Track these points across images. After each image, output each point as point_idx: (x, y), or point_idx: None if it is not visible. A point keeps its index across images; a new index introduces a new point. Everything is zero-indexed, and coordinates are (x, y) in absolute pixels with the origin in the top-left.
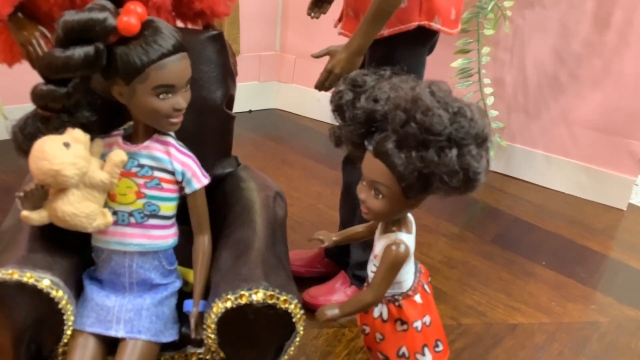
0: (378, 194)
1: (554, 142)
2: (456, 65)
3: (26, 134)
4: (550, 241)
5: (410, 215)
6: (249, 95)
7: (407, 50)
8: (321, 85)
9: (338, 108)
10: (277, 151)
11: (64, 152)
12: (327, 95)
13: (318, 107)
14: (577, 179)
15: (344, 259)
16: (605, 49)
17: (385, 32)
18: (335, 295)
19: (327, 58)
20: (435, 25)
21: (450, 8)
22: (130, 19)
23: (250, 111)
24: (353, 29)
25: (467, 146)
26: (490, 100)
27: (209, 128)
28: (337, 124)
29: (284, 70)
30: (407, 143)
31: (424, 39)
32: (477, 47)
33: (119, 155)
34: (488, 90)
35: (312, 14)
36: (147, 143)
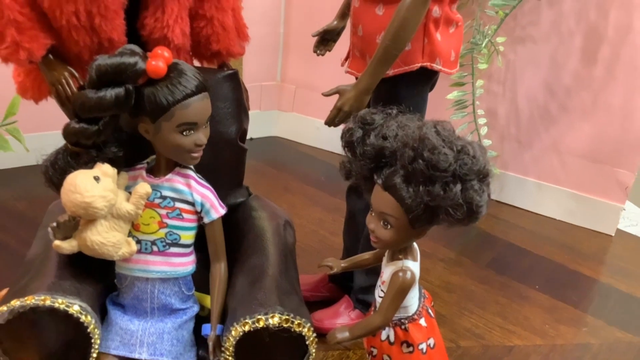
0: (387, 225)
1: (545, 170)
2: (452, 97)
3: (57, 168)
4: (543, 266)
5: (415, 244)
6: (250, 124)
7: (410, 89)
8: (331, 122)
9: (349, 144)
10: (279, 178)
11: (94, 185)
12: (329, 128)
13: (317, 135)
14: (568, 205)
15: (347, 284)
16: (593, 82)
17: (391, 72)
18: (340, 318)
19: (335, 96)
20: (437, 66)
21: (450, 50)
22: (159, 62)
23: (251, 139)
24: (359, 68)
25: (470, 181)
26: (484, 131)
27: (224, 160)
28: (341, 154)
29: (284, 100)
30: (414, 178)
31: (426, 78)
32: (471, 80)
33: (144, 187)
34: (482, 120)
35: (318, 52)
36: (169, 176)
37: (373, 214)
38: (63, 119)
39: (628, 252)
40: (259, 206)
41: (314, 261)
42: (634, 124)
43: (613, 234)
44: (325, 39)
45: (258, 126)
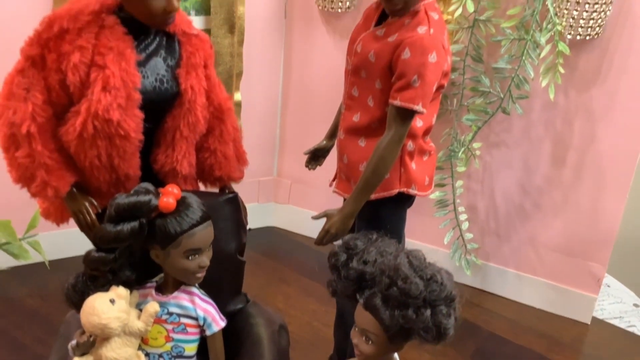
0: (368, 340)
1: (524, 262)
2: (434, 197)
3: (77, 291)
4: (524, 356)
5: (395, 354)
6: (249, 215)
7: (390, 210)
8: (320, 242)
9: (334, 267)
10: (275, 269)
11: (110, 308)
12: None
13: (312, 225)
14: (546, 295)
15: None
16: (562, 183)
17: (373, 196)
18: None
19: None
20: (412, 191)
21: (425, 176)
22: (169, 199)
23: (250, 229)
24: (345, 190)
25: (438, 306)
26: (465, 225)
27: (225, 273)
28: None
29: (280, 193)
30: (391, 302)
31: (403, 201)
32: (451, 182)
33: (153, 307)
34: (463, 217)
35: (310, 167)
36: (175, 294)
37: (356, 329)
38: None
39: (602, 340)
40: (256, 313)
41: (308, 354)
42: (602, 221)
43: (589, 322)
44: (316, 156)
45: (256, 218)
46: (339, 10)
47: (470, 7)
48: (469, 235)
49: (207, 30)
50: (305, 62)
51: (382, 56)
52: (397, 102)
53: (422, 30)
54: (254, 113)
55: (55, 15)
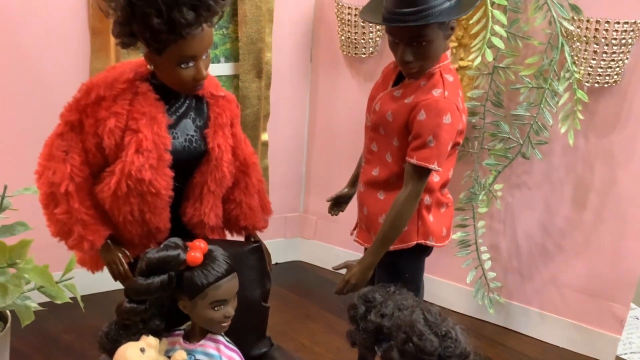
0: None
1: (546, 301)
2: (456, 238)
3: (109, 338)
4: None
5: None
6: (275, 250)
7: (408, 261)
8: (340, 292)
9: (352, 319)
10: (301, 305)
11: (140, 357)
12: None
13: (337, 261)
14: (569, 334)
15: None
16: (584, 225)
17: (391, 247)
18: None
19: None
20: (430, 242)
21: (442, 228)
22: (196, 253)
23: (276, 263)
24: (365, 239)
25: None
26: (487, 265)
27: (249, 319)
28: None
29: (306, 229)
30: (407, 356)
31: (421, 252)
32: (473, 223)
33: (181, 355)
34: (485, 256)
35: (332, 213)
36: (202, 342)
37: None
38: None
39: None
40: (279, 357)
41: None
42: (624, 262)
43: None
44: (339, 202)
45: (282, 252)
46: (362, 56)
47: (489, 56)
48: (491, 274)
49: (236, 76)
50: (330, 104)
51: (399, 116)
52: (413, 161)
53: (437, 92)
54: (281, 152)
55: (92, 83)
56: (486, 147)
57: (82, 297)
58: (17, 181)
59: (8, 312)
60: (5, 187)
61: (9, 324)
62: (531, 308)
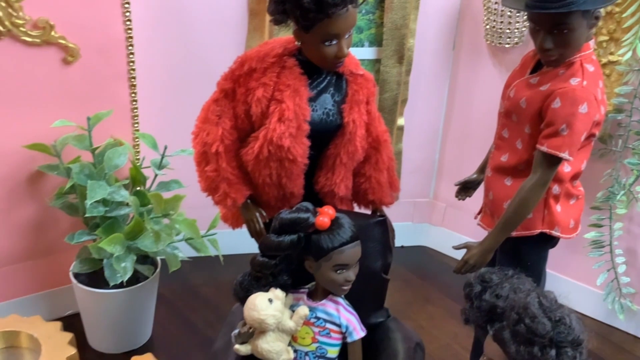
0: None
1: None
2: (589, 237)
3: (243, 287)
4: None
5: None
6: (402, 234)
7: (530, 249)
8: (458, 271)
9: (468, 297)
10: (422, 288)
11: (268, 306)
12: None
13: (463, 250)
14: None
15: None
16: None
17: (514, 234)
18: None
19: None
20: (555, 233)
21: (570, 220)
22: (324, 219)
23: (402, 246)
24: (488, 223)
25: (564, 348)
26: (621, 269)
27: (369, 288)
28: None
29: (435, 215)
30: (518, 338)
31: (545, 241)
32: (609, 224)
33: (304, 310)
34: (620, 259)
35: (459, 197)
36: (324, 301)
37: (485, 359)
38: None
39: None
40: (395, 328)
41: None
42: None
43: None
44: (467, 187)
45: (409, 236)
46: (507, 46)
47: None
48: (625, 279)
49: (378, 60)
50: (469, 93)
51: (533, 103)
52: (543, 148)
53: (574, 81)
54: (416, 138)
55: (246, 56)
56: (630, 146)
57: (223, 256)
58: (176, 143)
59: (158, 259)
60: (165, 148)
61: (158, 269)
62: None
